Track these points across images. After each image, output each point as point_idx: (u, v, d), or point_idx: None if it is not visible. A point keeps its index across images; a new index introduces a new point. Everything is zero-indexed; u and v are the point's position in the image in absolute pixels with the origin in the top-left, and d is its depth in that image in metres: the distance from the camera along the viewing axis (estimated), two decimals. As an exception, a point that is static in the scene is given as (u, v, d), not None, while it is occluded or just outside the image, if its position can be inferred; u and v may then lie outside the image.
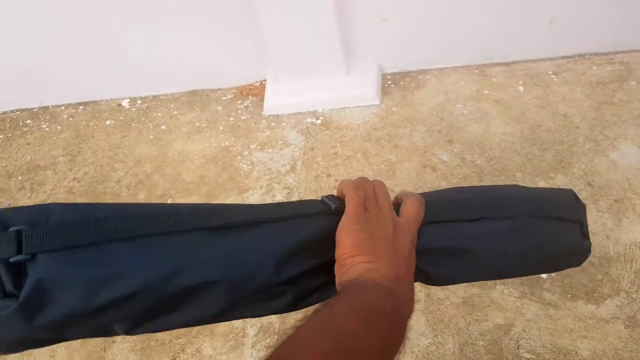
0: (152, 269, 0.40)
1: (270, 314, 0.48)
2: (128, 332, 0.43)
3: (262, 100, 1.96)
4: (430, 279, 0.53)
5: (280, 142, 1.81)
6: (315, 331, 0.36)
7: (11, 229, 0.38)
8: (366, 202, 0.47)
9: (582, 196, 1.42)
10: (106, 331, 0.42)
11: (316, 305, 0.47)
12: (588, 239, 0.60)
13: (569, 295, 1.24)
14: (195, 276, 0.41)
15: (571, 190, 0.61)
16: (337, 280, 0.44)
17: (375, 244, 0.44)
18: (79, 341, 1.39)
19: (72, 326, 0.40)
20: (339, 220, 0.46)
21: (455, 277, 0.54)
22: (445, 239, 0.51)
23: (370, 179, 0.52)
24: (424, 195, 0.54)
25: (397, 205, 0.51)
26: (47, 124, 2.15)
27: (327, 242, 0.46)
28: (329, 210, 0.49)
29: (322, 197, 0.51)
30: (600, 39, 1.76)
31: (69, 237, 0.38)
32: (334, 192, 0.52)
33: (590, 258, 1.35)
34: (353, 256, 0.43)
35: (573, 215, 0.58)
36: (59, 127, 2.12)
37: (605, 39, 1.76)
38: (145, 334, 0.43)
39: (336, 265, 0.45)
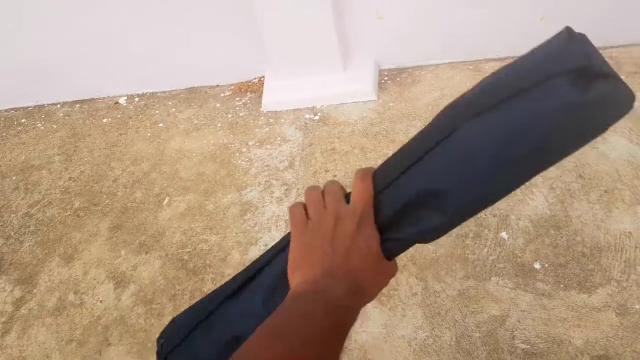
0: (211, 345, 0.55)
1: None
2: None
3: (260, 96, 1.97)
4: (421, 238, 0.46)
5: (278, 138, 1.83)
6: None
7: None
8: (310, 209, 0.48)
9: (573, 188, 1.46)
10: None
11: None
12: (607, 77, 0.39)
13: (562, 285, 1.28)
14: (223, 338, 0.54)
15: (564, 30, 0.41)
16: None
17: (310, 253, 0.46)
18: (74, 344, 1.41)
19: None
20: None
21: (444, 224, 0.45)
22: (402, 195, 0.45)
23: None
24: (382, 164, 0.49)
25: None
26: (43, 122, 2.15)
27: None
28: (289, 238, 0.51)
29: None
30: (589, 34, 1.75)
31: (174, 340, 0.56)
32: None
33: (581, 248, 1.40)
34: (292, 273, 0.47)
35: (550, 69, 0.40)
36: (55, 126, 2.12)
37: (594, 35, 1.73)
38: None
39: None
